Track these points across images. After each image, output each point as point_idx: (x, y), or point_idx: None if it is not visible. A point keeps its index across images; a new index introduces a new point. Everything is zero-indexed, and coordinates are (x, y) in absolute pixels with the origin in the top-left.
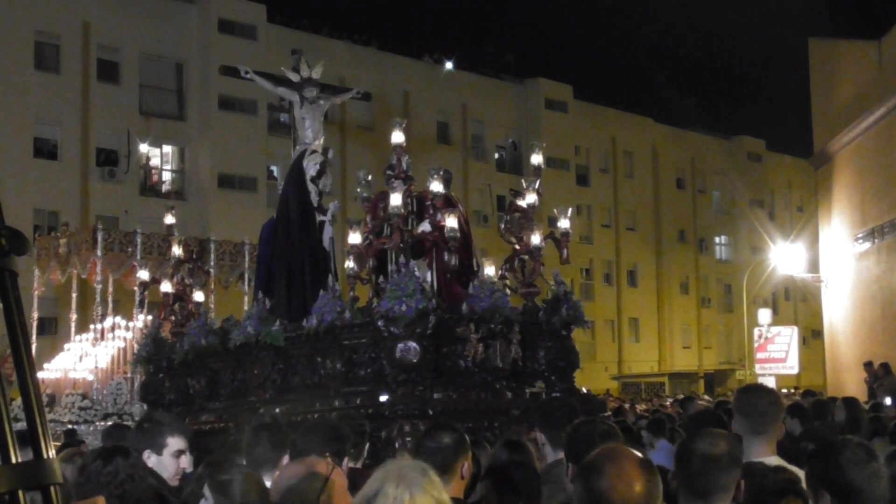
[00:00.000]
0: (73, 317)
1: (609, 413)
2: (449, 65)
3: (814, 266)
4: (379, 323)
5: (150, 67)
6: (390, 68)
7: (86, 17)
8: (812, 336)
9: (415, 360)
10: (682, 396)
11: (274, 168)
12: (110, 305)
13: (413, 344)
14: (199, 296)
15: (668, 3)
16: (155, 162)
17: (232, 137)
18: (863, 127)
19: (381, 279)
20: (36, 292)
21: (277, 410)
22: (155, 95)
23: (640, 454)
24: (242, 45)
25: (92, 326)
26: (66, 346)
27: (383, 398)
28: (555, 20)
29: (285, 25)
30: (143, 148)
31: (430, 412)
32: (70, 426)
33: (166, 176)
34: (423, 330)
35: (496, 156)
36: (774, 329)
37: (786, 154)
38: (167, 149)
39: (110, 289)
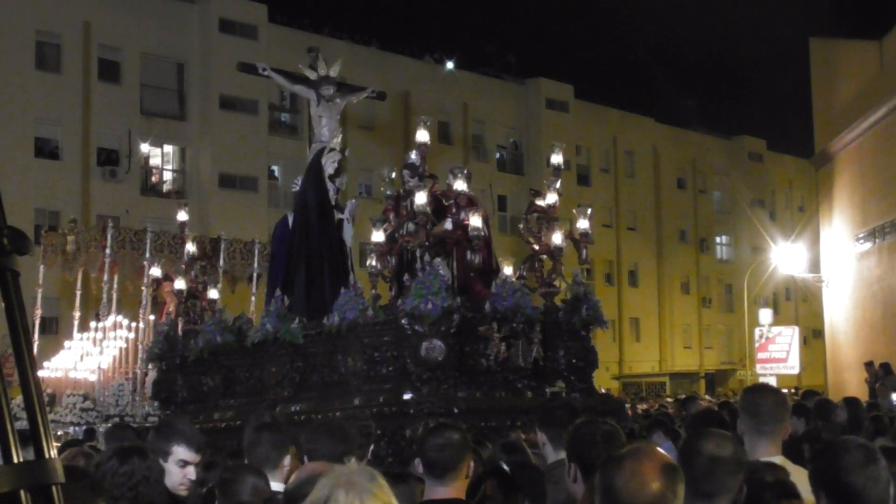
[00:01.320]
0: (77, 315)
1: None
2: (450, 64)
3: (815, 266)
4: (403, 321)
5: (150, 67)
6: (391, 68)
7: (87, 16)
8: (813, 336)
9: (440, 359)
10: (682, 396)
11: (275, 168)
12: (114, 304)
13: (438, 342)
14: (213, 293)
15: (668, 3)
16: (156, 162)
17: (233, 137)
18: (864, 127)
19: (405, 277)
20: (39, 290)
21: (296, 408)
22: (156, 95)
23: (665, 457)
24: (243, 44)
25: (93, 325)
26: (66, 344)
27: (407, 396)
28: (556, 20)
29: (286, 25)
30: (144, 148)
31: (456, 410)
32: (85, 426)
33: (167, 176)
34: (448, 328)
35: (497, 155)
36: (775, 329)
37: (787, 154)
38: (168, 148)
39: (115, 287)
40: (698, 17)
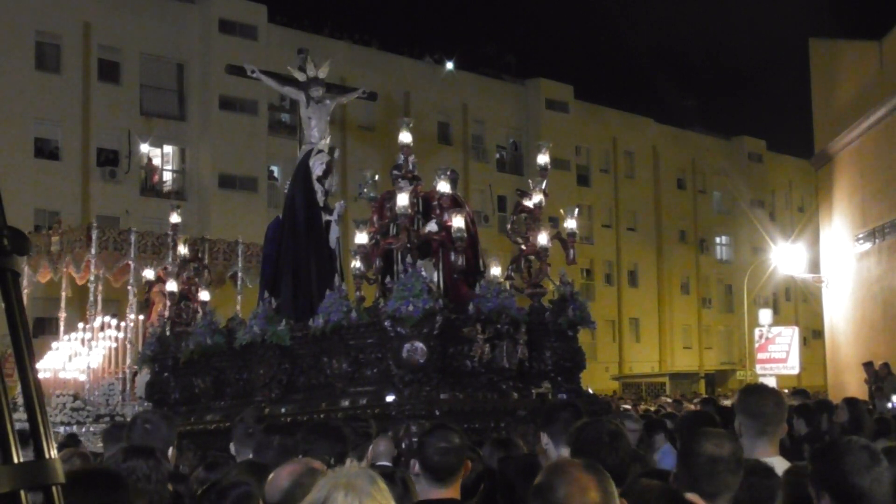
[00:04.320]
0: (63, 316)
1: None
2: (450, 65)
3: (814, 266)
4: (386, 323)
5: (150, 67)
6: (391, 68)
7: (87, 17)
8: (813, 336)
9: (422, 361)
10: (679, 396)
11: (274, 168)
12: (100, 304)
13: (420, 344)
14: (204, 295)
15: (668, 3)
16: (156, 162)
17: (233, 137)
18: (864, 127)
19: (388, 279)
20: (25, 291)
21: (284, 410)
22: (156, 95)
23: (585, 462)
24: (243, 45)
25: (81, 325)
26: (53, 345)
27: (390, 398)
28: (555, 20)
29: (286, 25)
30: (144, 148)
31: (437, 412)
32: (62, 427)
33: (167, 176)
34: (430, 330)
35: (497, 156)
36: (775, 329)
37: (786, 154)
38: (168, 149)
39: (100, 287)
40: (698, 17)
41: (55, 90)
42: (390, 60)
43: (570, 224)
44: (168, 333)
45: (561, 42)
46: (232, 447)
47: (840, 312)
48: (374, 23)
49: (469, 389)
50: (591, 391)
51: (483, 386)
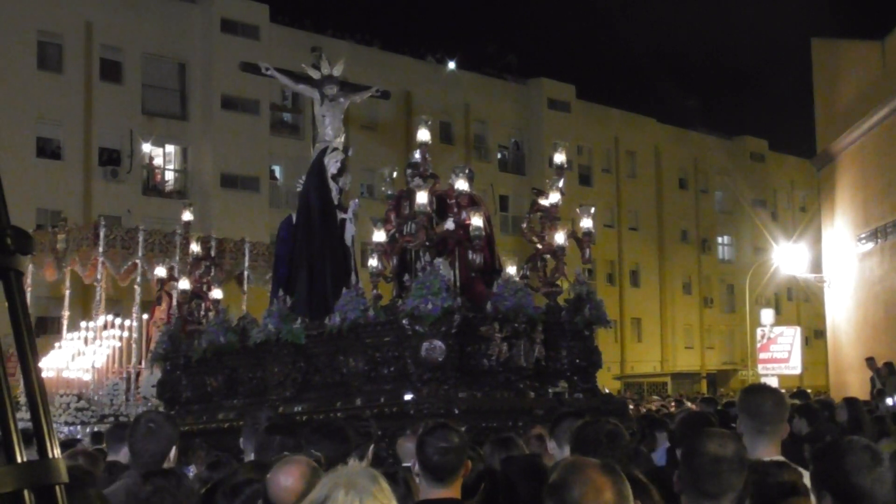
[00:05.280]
0: (66, 314)
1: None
2: (451, 65)
3: (816, 266)
4: (404, 321)
5: (152, 67)
6: (393, 68)
7: (88, 16)
8: (815, 336)
9: (440, 359)
10: (679, 396)
11: (276, 168)
12: (103, 303)
13: (439, 342)
14: (217, 293)
15: (670, 3)
16: (158, 161)
17: (234, 137)
18: (866, 127)
19: (406, 277)
20: (28, 290)
21: (298, 409)
22: (158, 95)
23: (602, 462)
24: (245, 44)
25: (83, 324)
26: (56, 344)
27: (408, 397)
28: (557, 20)
29: (288, 25)
30: (146, 147)
31: (456, 411)
32: (66, 427)
33: (169, 176)
34: (448, 328)
35: (498, 155)
36: (777, 329)
37: (789, 154)
38: (170, 148)
39: (103, 285)
40: (700, 17)
41: (57, 90)
42: (392, 60)
43: (586, 223)
44: (180, 332)
45: (563, 42)
46: (241, 443)
47: (842, 312)
48: (376, 23)
49: (486, 388)
50: (607, 391)
51: (500, 385)
